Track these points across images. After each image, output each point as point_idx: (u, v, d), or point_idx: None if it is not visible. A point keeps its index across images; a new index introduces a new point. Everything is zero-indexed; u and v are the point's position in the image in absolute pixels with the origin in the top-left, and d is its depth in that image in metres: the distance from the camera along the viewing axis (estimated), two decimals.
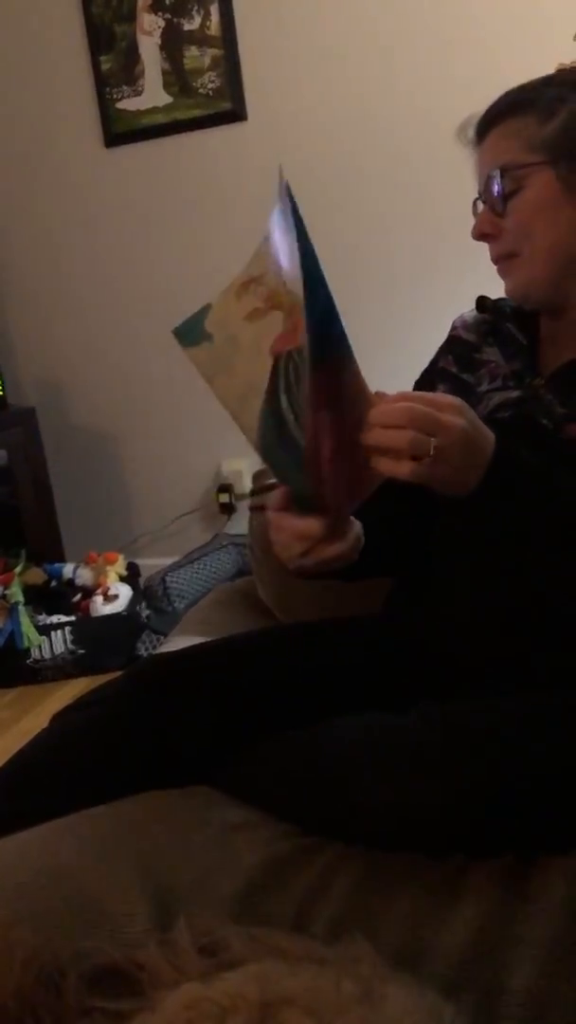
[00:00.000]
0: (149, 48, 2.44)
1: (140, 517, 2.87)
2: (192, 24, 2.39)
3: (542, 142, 0.90)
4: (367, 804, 0.79)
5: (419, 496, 0.80)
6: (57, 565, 2.50)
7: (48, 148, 2.63)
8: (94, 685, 1.01)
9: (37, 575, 2.40)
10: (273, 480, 0.80)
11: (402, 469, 0.72)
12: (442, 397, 0.75)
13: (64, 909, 0.73)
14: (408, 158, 2.34)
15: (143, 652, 2.28)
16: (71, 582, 2.46)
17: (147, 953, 0.61)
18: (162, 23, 2.41)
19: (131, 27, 2.44)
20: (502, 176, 0.92)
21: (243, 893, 0.76)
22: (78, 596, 2.40)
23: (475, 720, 0.83)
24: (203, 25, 2.38)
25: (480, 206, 0.97)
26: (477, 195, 0.98)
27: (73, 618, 2.30)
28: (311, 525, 0.77)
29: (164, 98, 2.47)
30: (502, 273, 0.99)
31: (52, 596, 2.39)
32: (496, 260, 0.99)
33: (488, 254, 0.99)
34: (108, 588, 2.35)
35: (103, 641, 2.26)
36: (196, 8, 2.37)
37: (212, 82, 2.42)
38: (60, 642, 2.24)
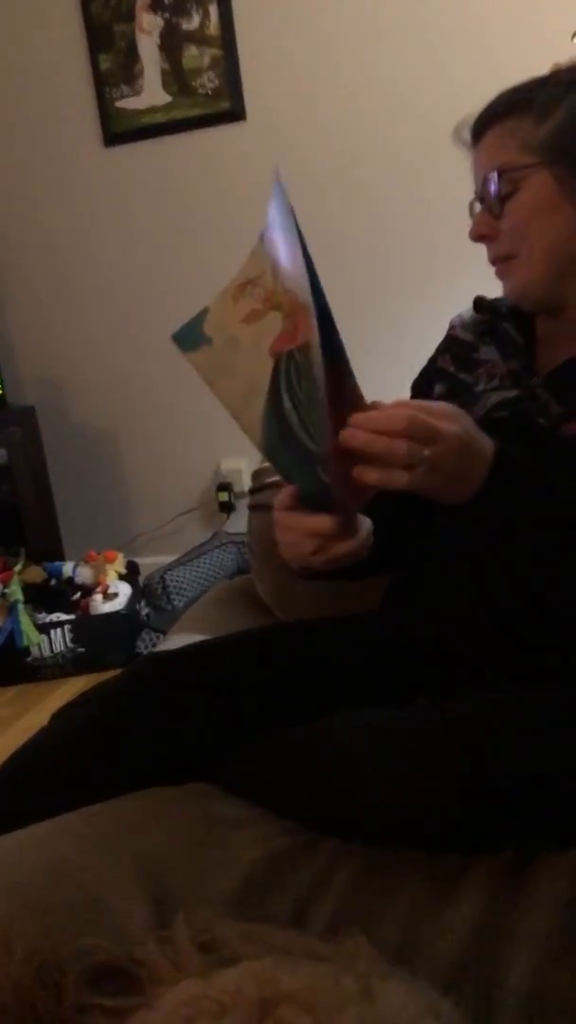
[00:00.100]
0: (148, 48, 2.44)
1: (139, 515, 2.87)
2: (191, 24, 2.39)
3: (538, 143, 0.90)
4: (366, 801, 0.79)
5: (418, 495, 0.81)
6: (57, 563, 2.50)
7: (47, 147, 2.63)
8: (94, 683, 1.00)
9: (37, 573, 2.40)
10: (275, 479, 0.80)
11: (398, 479, 0.72)
12: (438, 405, 0.75)
13: (63, 906, 0.73)
14: (407, 158, 2.34)
15: (142, 650, 2.29)
16: (71, 580, 2.46)
17: (146, 950, 0.61)
18: (161, 23, 2.41)
19: (130, 27, 2.44)
20: (499, 178, 0.92)
21: (242, 890, 0.75)
22: (78, 594, 2.40)
23: (474, 718, 0.82)
24: (202, 25, 2.38)
25: (477, 207, 0.98)
26: (474, 196, 0.98)
27: (73, 616, 2.30)
28: (322, 522, 0.77)
29: (163, 97, 2.47)
30: (500, 274, 0.99)
31: (52, 594, 2.40)
32: (494, 261, 0.99)
33: (485, 255, 0.99)
34: (108, 586, 2.35)
35: (103, 639, 2.26)
36: (195, 8, 2.37)
37: (211, 82, 2.42)
38: (60, 640, 2.25)
